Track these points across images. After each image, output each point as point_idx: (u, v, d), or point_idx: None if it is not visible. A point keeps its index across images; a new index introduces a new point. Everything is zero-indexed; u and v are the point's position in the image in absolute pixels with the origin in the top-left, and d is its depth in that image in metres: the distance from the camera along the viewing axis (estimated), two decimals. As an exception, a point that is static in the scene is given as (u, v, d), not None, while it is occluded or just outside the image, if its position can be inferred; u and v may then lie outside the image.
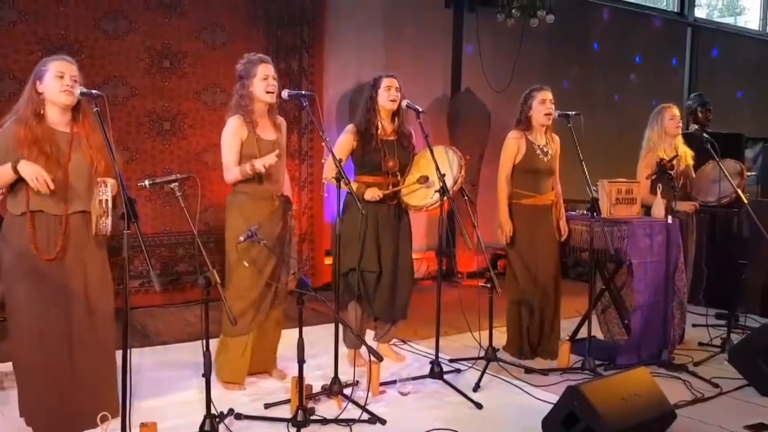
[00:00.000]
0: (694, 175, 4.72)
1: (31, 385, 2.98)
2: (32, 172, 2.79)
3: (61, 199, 2.90)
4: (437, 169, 3.61)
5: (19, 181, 2.86)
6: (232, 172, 3.53)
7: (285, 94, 3.50)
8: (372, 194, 3.81)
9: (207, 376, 2.94)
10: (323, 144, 3.48)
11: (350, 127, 3.96)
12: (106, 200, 2.81)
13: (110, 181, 2.85)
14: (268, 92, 3.54)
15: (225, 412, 3.16)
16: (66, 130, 2.94)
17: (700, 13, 10.23)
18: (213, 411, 3.00)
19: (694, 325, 4.95)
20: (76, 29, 5.03)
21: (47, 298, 2.92)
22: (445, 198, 3.63)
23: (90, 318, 3.01)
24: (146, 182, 2.96)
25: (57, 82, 2.87)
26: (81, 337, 2.99)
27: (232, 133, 3.54)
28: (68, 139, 2.93)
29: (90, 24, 5.08)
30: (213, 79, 5.58)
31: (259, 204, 3.57)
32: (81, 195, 2.94)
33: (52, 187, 2.82)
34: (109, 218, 2.83)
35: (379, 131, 3.91)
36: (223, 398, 3.39)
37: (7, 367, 3.65)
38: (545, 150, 4.24)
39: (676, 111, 4.60)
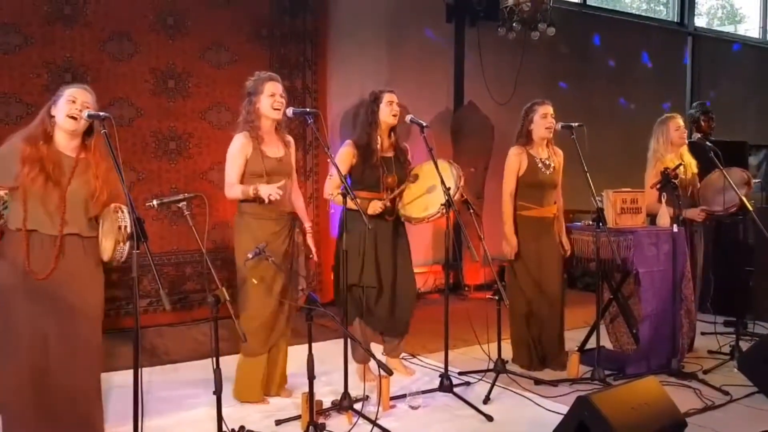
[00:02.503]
0: (699, 185, 4.72)
1: (15, 409, 2.91)
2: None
3: (57, 219, 2.91)
4: (442, 182, 3.63)
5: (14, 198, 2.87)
6: (233, 189, 3.58)
7: (290, 111, 3.54)
8: (374, 208, 3.82)
9: (218, 393, 2.95)
10: (328, 161, 3.51)
11: (349, 141, 3.98)
12: (125, 227, 2.81)
13: (125, 208, 2.85)
14: (274, 108, 3.58)
15: (236, 429, 3.16)
16: (72, 155, 2.97)
17: (700, 22, 10.27)
18: (224, 429, 3.00)
19: (702, 333, 4.94)
20: (82, 52, 5.09)
21: (32, 318, 2.89)
22: (450, 210, 3.65)
23: (71, 340, 2.97)
24: (154, 202, 2.98)
25: (67, 106, 2.91)
26: (61, 361, 2.94)
27: (237, 150, 3.58)
28: (72, 164, 2.95)
29: (95, 47, 5.14)
30: (218, 99, 5.63)
31: (264, 223, 3.60)
32: (77, 218, 2.94)
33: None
34: (127, 245, 2.83)
35: (378, 147, 3.93)
36: (234, 416, 3.39)
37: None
38: (547, 163, 4.26)
39: (680, 121, 4.62)
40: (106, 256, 2.90)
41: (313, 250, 3.79)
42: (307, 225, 3.80)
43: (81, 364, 3.00)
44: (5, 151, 2.89)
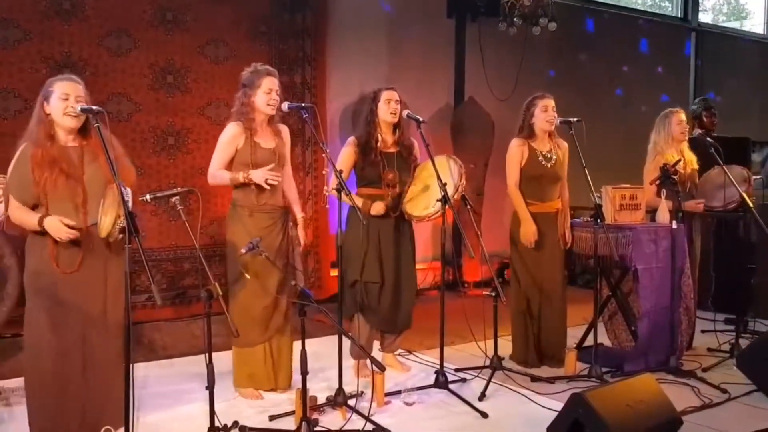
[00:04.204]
0: (698, 181, 4.70)
1: (42, 401, 2.98)
2: (57, 230, 2.84)
3: (80, 212, 2.93)
4: (438, 178, 3.61)
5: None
6: (214, 176, 3.60)
7: (285, 106, 3.53)
8: (377, 209, 3.82)
9: (210, 388, 2.95)
10: (324, 156, 3.50)
11: (351, 139, 3.98)
12: (127, 201, 2.76)
13: (129, 191, 2.85)
14: (269, 105, 3.58)
15: (229, 424, 3.15)
16: (75, 144, 2.98)
17: (705, 18, 10.21)
18: (217, 423, 3.00)
19: (703, 331, 4.91)
20: (80, 47, 5.09)
21: (65, 311, 2.94)
22: (447, 207, 3.63)
23: (104, 330, 3.03)
24: (147, 196, 2.98)
25: (61, 104, 2.89)
26: (93, 350, 3.00)
27: (228, 139, 3.58)
28: (79, 153, 2.96)
29: (94, 42, 5.14)
30: (216, 94, 5.62)
31: (257, 216, 3.59)
32: (96, 208, 2.93)
33: (75, 235, 2.87)
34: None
35: (379, 144, 3.92)
36: (228, 411, 3.39)
37: (13, 383, 3.69)
38: (549, 156, 4.23)
39: (683, 116, 4.58)
40: (104, 232, 2.86)
41: (302, 240, 3.80)
42: (300, 216, 3.79)
43: (108, 354, 3.03)
44: (21, 163, 2.90)
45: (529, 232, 4.15)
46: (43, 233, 2.91)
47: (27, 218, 2.92)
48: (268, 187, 3.50)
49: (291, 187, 3.83)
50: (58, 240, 2.88)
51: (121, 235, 2.84)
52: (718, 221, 5.40)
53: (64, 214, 2.90)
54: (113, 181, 2.89)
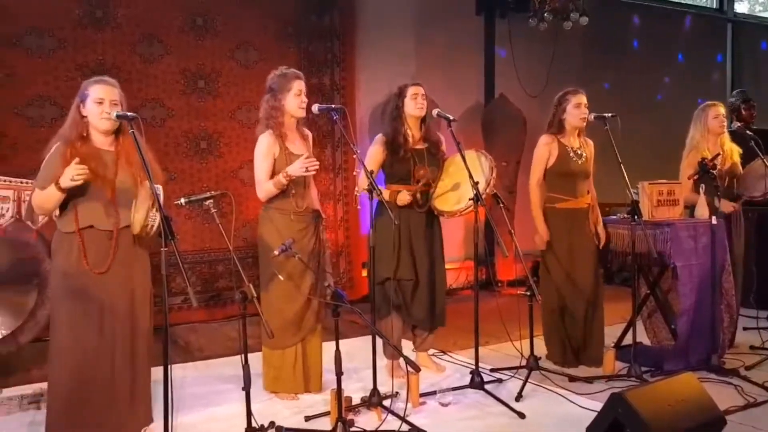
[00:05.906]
0: (741, 172, 4.59)
1: (64, 403, 2.98)
2: (70, 174, 2.77)
3: (111, 214, 2.95)
4: (470, 176, 3.58)
5: (68, 201, 2.92)
6: (263, 187, 3.58)
7: (315, 108, 3.53)
8: (403, 198, 3.80)
9: (247, 389, 2.96)
10: (355, 157, 3.49)
11: (379, 137, 3.96)
12: (158, 195, 2.78)
13: (160, 187, 2.87)
14: (300, 108, 3.60)
15: (266, 425, 3.16)
16: (111, 149, 3.01)
17: (741, 8, 9.97)
18: (254, 424, 3.01)
19: (745, 328, 4.80)
20: (114, 54, 5.17)
21: (93, 314, 2.96)
22: (479, 204, 3.60)
23: (131, 333, 3.05)
24: (182, 200, 3.00)
25: (96, 107, 2.93)
26: (122, 352, 3.03)
27: (265, 150, 3.58)
28: (114, 157, 2.99)
29: (126, 49, 5.22)
30: (247, 98, 5.67)
31: (290, 219, 3.60)
32: (128, 211, 2.95)
33: (86, 173, 2.81)
34: (158, 213, 2.78)
35: (408, 140, 3.90)
36: (264, 411, 3.40)
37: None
38: (579, 153, 4.17)
39: (720, 109, 4.49)
40: (137, 227, 2.87)
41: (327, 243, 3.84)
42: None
43: (136, 356, 3.06)
44: (51, 158, 2.93)
45: (541, 232, 4.14)
46: (72, 232, 2.92)
47: (45, 194, 2.86)
48: (311, 173, 3.51)
49: (314, 194, 3.83)
50: (78, 179, 2.78)
51: (153, 231, 2.85)
52: (759, 216, 5.26)
53: (93, 214, 2.92)
54: (145, 180, 2.93)
